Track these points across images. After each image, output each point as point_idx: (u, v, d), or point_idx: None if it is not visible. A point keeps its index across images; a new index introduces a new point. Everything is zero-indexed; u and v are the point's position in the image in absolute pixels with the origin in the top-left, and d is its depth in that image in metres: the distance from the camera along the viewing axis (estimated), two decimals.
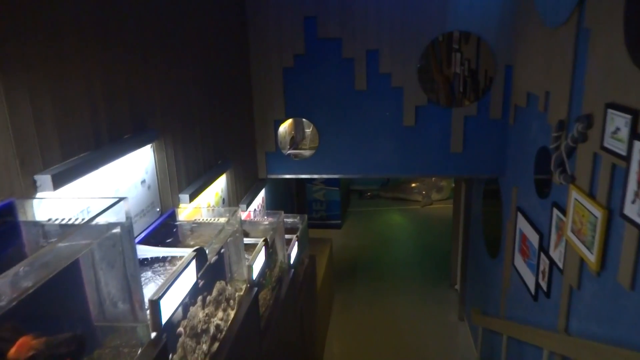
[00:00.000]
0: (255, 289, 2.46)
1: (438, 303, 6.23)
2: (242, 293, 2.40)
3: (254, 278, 2.48)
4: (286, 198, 5.70)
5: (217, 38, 3.14)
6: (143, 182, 2.19)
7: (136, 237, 1.98)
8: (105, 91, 1.83)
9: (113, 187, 1.92)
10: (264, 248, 2.66)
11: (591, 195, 2.28)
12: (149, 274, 1.70)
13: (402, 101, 3.87)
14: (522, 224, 3.42)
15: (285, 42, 3.81)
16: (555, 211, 2.75)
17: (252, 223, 3.52)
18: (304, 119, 4.18)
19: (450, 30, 3.67)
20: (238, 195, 3.62)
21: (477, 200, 5.06)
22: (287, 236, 3.80)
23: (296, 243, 3.68)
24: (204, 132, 2.89)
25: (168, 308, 1.44)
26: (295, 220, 4.34)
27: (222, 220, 2.45)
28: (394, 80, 3.82)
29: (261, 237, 2.86)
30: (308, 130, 4.78)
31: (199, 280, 1.73)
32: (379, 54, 3.77)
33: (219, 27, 3.18)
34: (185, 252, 1.71)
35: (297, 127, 5.04)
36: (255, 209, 4.05)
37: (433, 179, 9.98)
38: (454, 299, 6.25)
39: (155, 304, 1.36)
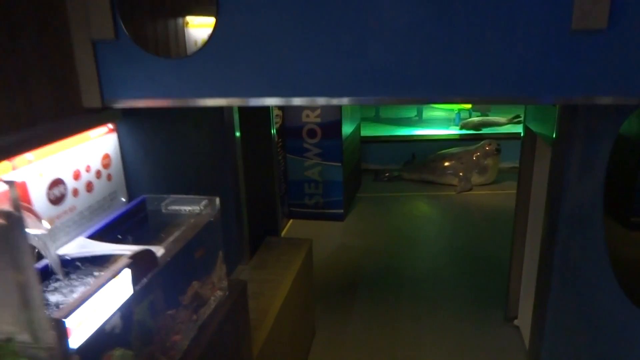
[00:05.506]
0: None
1: (487, 351, 3.76)
2: None
3: None
4: (217, 165, 3.17)
5: None
6: None
7: None
8: None
9: None
10: None
11: None
12: None
13: None
14: None
15: None
16: None
17: None
18: None
19: None
20: None
21: (590, 177, 2.50)
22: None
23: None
24: None
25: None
26: (197, 208, 2.07)
27: None
28: None
29: None
30: None
31: None
32: None
33: None
34: None
35: None
36: (56, 186, 1.63)
37: (474, 156, 7.39)
38: (515, 345, 3.77)
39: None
